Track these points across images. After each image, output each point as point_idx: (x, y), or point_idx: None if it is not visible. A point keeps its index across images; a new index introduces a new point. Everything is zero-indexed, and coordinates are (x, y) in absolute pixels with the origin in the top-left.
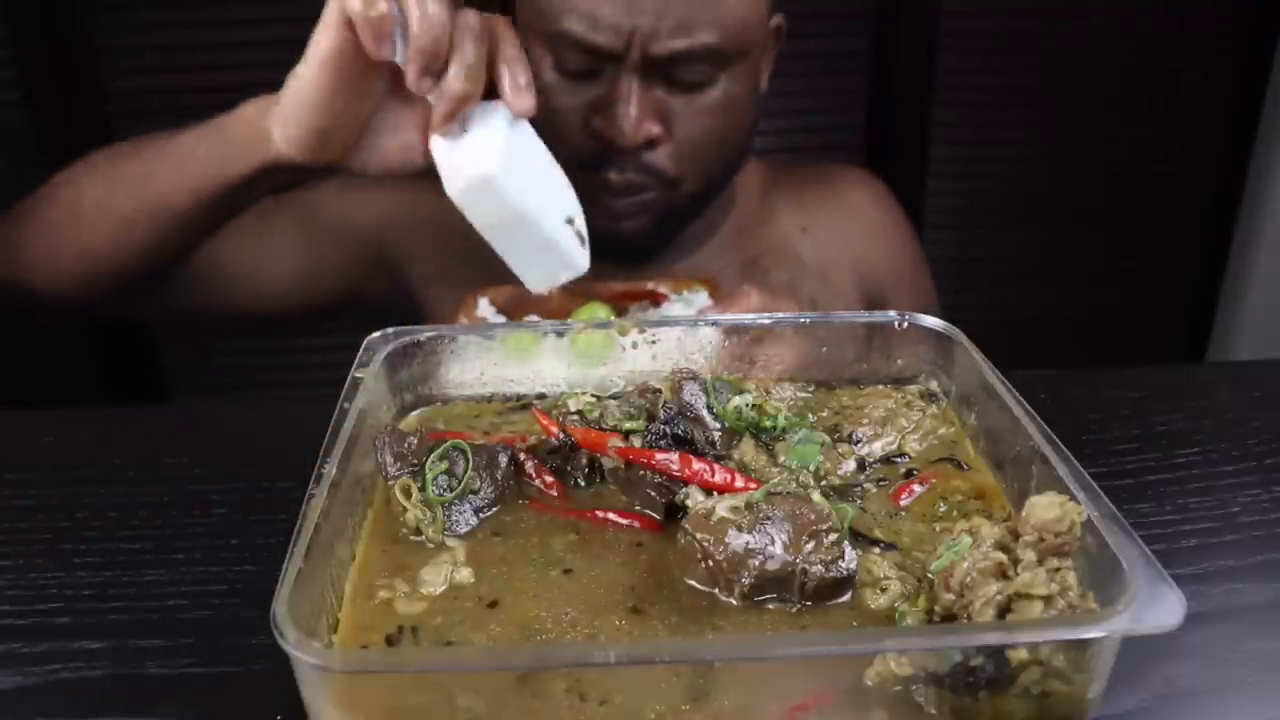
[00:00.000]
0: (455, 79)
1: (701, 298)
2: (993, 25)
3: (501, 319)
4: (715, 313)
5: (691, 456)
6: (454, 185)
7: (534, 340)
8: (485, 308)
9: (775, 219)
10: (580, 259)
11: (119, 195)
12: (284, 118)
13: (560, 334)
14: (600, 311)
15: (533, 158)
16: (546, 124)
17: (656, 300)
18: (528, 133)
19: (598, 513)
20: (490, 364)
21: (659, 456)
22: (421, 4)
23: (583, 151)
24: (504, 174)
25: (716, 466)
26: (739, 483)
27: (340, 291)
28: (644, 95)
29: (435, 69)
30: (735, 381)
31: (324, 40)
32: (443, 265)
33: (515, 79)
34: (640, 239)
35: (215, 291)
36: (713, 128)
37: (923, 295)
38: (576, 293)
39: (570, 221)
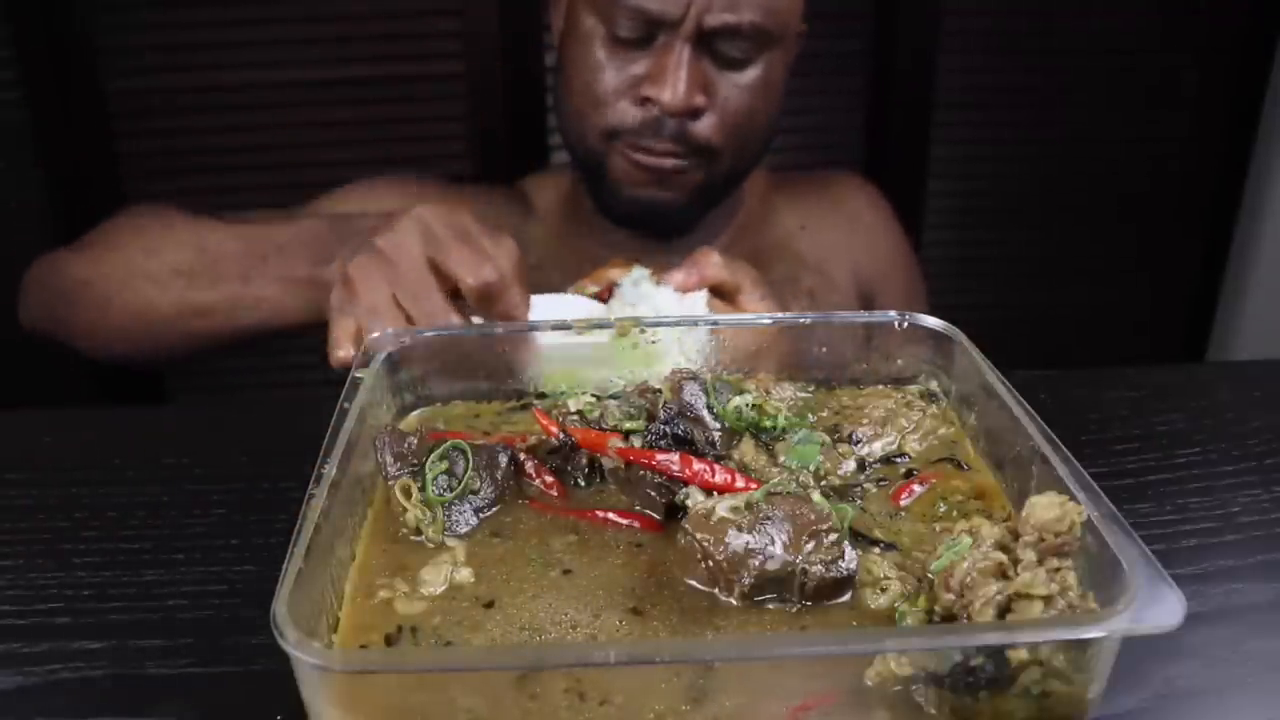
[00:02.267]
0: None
1: (641, 272)
2: (993, 25)
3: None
4: (668, 281)
5: (692, 457)
6: None
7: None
8: None
9: (775, 218)
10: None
11: (202, 322)
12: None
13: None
14: (616, 272)
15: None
16: (592, 93)
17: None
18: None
19: (598, 513)
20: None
21: (659, 457)
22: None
23: (628, 121)
24: None
25: (717, 467)
26: (739, 483)
27: None
28: (693, 65)
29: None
30: (735, 382)
31: (343, 341)
32: None
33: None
34: (678, 211)
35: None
36: (750, 106)
37: (915, 300)
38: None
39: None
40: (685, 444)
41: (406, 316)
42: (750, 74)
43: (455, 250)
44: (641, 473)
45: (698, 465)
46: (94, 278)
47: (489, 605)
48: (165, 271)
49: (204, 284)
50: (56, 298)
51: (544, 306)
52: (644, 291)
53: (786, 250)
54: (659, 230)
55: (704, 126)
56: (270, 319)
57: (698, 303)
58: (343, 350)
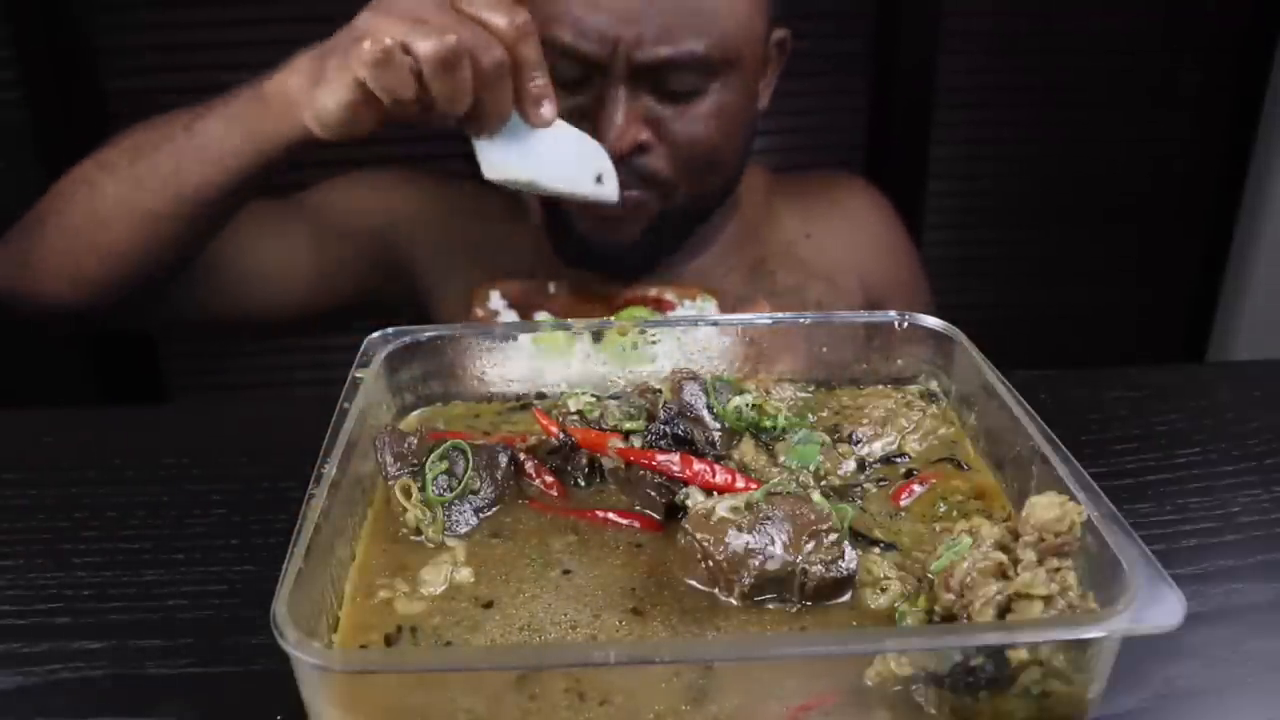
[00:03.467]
0: (478, 109)
1: (711, 307)
2: (993, 25)
3: (513, 314)
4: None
5: (692, 457)
6: (490, 175)
7: (569, 341)
8: (497, 301)
9: (778, 223)
10: (612, 195)
11: (145, 192)
12: (314, 115)
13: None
14: (639, 313)
15: (557, 143)
16: None
17: (663, 308)
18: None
19: (598, 513)
20: (517, 363)
21: (660, 458)
22: (433, 58)
23: None
24: (532, 174)
25: (717, 467)
26: (739, 483)
27: (352, 293)
28: (631, 104)
29: (459, 105)
30: (735, 382)
31: (341, 92)
32: (453, 261)
33: (531, 92)
34: (633, 249)
35: (227, 300)
36: (705, 137)
37: (920, 305)
38: (582, 299)
39: (599, 180)
40: (685, 444)
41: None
42: (702, 105)
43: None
44: (641, 473)
45: (698, 465)
46: (45, 197)
47: (488, 605)
48: (114, 155)
49: (148, 152)
50: (21, 232)
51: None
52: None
53: (791, 258)
54: (614, 271)
55: (652, 160)
56: (214, 174)
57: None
58: (371, 42)
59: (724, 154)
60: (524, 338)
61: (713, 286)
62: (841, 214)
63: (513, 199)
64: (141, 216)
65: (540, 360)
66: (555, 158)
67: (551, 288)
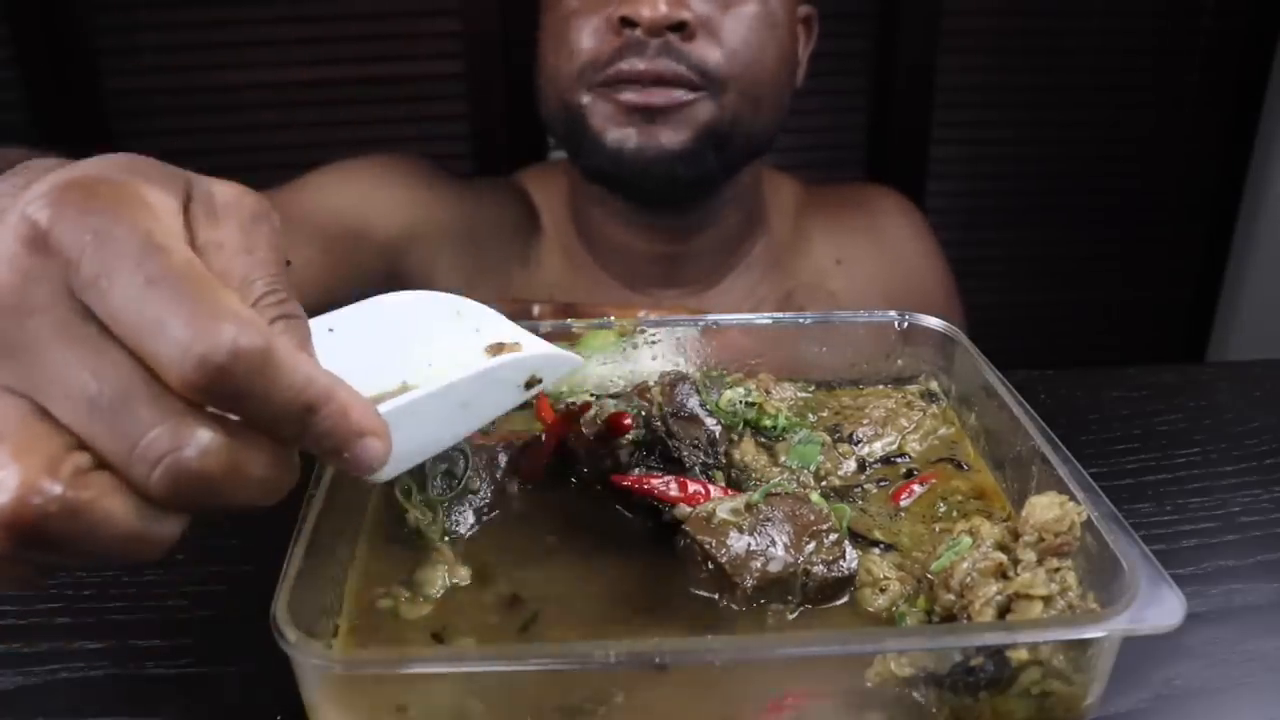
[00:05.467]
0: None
1: None
2: (993, 25)
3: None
4: None
5: (687, 480)
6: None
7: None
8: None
9: (809, 249)
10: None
11: None
12: None
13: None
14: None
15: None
16: (569, 41)
17: None
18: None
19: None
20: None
21: (654, 482)
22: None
23: (606, 50)
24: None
25: (711, 487)
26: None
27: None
28: None
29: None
30: (732, 380)
31: None
32: (468, 276)
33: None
34: (677, 163)
35: None
36: (756, 39)
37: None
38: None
39: (505, 351)
40: (673, 462)
41: (79, 443)
42: (749, 6)
43: (131, 301)
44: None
45: (693, 488)
46: None
47: (488, 605)
48: None
49: None
50: None
51: (349, 331)
52: None
53: (820, 290)
54: (663, 196)
55: (699, 46)
56: None
57: None
58: None
59: (773, 67)
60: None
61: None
62: (876, 236)
63: (521, 203)
64: None
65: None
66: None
67: (536, 310)
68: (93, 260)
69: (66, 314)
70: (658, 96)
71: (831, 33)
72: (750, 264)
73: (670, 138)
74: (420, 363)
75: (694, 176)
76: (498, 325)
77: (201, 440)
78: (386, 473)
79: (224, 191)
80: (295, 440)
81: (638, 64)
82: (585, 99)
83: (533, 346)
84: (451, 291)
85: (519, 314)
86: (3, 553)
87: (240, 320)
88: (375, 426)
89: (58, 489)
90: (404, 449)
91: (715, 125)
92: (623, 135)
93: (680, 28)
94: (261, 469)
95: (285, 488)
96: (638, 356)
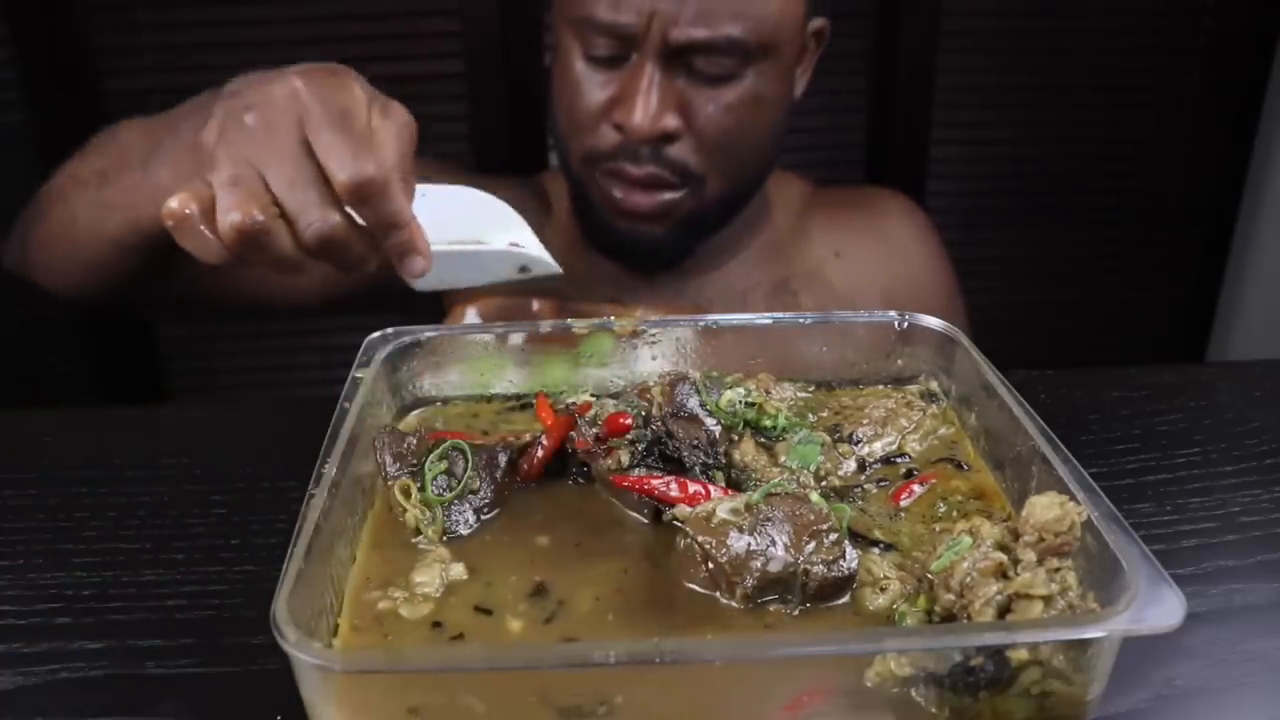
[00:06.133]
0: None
1: None
2: (993, 25)
3: None
4: None
5: (687, 481)
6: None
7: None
8: (472, 318)
9: (809, 240)
10: (550, 267)
11: (109, 221)
12: None
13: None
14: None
15: (459, 228)
16: (572, 116)
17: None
18: (450, 205)
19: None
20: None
21: (654, 482)
22: (231, 233)
23: (603, 145)
24: (452, 281)
25: (711, 488)
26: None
27: (367, 284)
28: (665, 85)
29: (285, 269)
30: (732, 380)
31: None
32: None
33: (392, 249)
34: (660, 246)
35: (233, 283)
36: (736, 126)
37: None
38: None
39: (516, 245)
40: (673, 462)
41: (274, 200)
42: (735, 91)
43: (328, 135)
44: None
45: (693, 488)
46: (41, 190)
47: (488, 606)
48: (87, 172)
49: (113, 177)
50: (23, 222)
51: (435, 199)
52: None
53: (817, 279)
54: (644, 265)
55: (681, 150)
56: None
57: None
58: (175, 200)
59: (754, 143)
60: (521, 338)
61: (727, 305)
62: (877, 234)
63: (540, 199)
64: (110, 243)
65: (541, 359)
66: (456, 265)
67: (535, 305)
68: (316, 111)
69: (295, 134)
70: (644, 202)
71: (832, 33)
72: (750, 252)
73: (653, 229)
74: (468, 231)
75: (677, 254)
76: (520, 229)
77: (334, 220)
78: (424, 284)
79: (394, 104)
80: (383, 239)
81: (630, 169)
82: (588, 177)
83: (532, 249)
84: None
85: (518, 310)
86: (231, 248)
87: (378, 164)
88: (424, 250)
89: (261, 218)
90: (436, 275)
91: (696, 214)
92: (616, 221)
93: (667, 139)
94: (361, 248)
95: (369, 265)
96: (638, 357)
